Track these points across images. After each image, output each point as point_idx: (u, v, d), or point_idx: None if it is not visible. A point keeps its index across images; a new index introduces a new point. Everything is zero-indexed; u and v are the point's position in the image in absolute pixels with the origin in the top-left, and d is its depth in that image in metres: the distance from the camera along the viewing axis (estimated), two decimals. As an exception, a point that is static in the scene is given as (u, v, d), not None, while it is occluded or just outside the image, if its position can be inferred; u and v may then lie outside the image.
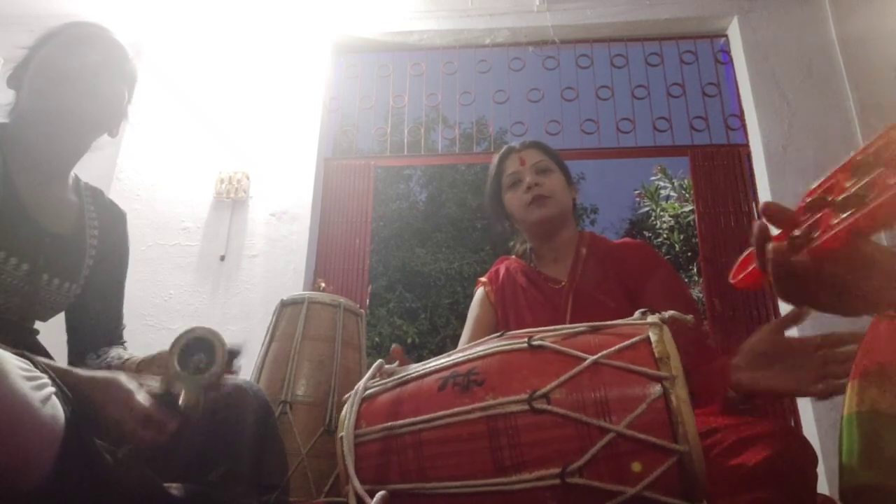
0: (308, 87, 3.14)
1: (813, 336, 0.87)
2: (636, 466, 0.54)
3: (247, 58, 3.20)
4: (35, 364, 0.66)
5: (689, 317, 0.64)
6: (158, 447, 0.79)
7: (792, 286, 0.57)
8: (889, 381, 0.69)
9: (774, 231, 0.59)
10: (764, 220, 0.58)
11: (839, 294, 0.56)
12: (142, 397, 0.77)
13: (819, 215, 0.54)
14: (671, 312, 0.64)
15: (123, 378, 0.78)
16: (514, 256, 1.47)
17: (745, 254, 0.64)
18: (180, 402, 0.78)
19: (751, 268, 0.63)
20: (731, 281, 0.66)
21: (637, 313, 0.67)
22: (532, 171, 1.35)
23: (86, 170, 1.08)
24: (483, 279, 1.45)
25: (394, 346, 0.86)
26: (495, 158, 1.45)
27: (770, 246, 0.57)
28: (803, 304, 0.60)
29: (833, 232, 0.52)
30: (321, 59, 3.22)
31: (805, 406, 2.43)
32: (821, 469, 1.81)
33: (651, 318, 0.64)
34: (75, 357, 1.07)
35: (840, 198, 0.52)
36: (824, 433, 2.30)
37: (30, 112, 0.96)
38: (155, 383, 0.81)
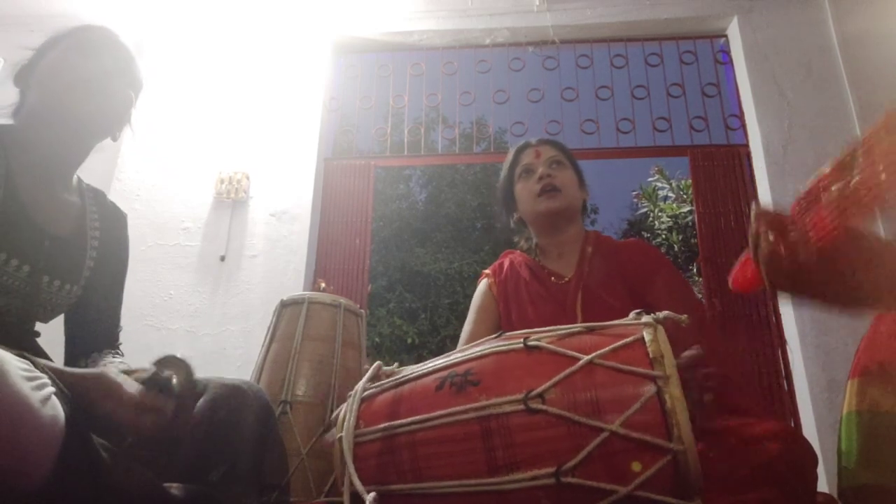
0: (308, 87, 3.14)
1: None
2: (636, 465, 0.54)
3: (247, 58, 3.20)
4: (35, 364, 0.66)
5: (684, 316, 0.64)
6: (162, 438, 0.79)
7: (791, 283, 0.58)
8: (889, 380, 0.70)
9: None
10: (758, 223, 0.59)
11: (841, 287, 0.57)
12: (130, 387, 0.77)
13: (812, 213, 0.55)
14: (665, 312, 0.64)
15: (111, 372, 0.79)
16: (518, 251, 1.48)
17: (742, 257, 0.64)
18: (173, 382, 0.79)
19: (749, 274, 0.63)
20: (730, 285, 0.67)
21: (632, 314, 0.67)
22: (546, 164, 1.36)
23: (86, 170, 1.09)
24: (487, 271, 1.46)
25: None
26: (511, 151, 1.46)
27: (764, 245, 0.57)
28: (804, 298, 0.60)
29: (824, 225, 0.53)
30: (321, 59, 3.23)
31: (805, 406, 2.43)
32: (821, 469, 1.81)
33: (646, 318, 0.64)
34: (70, 360, 1.07)
35: (830, 190, 0.53)
36: (824, 433, 2.30)
37: (39, 113, 0.97)
38: (144, 373, 0.81)
